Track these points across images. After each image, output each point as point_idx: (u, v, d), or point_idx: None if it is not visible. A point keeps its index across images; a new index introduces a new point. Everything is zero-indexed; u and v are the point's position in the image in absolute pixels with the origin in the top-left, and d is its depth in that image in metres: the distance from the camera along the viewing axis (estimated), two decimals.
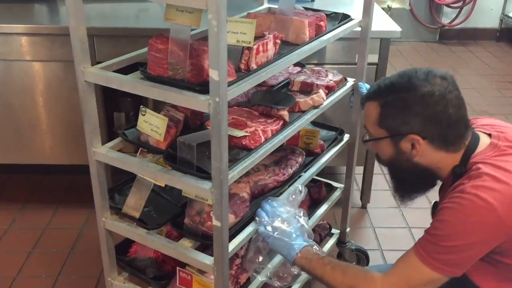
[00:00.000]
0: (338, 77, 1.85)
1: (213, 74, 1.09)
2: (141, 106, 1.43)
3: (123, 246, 1.69)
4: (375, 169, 2.66)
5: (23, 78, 2.32)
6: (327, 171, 2.92)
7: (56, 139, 2.44)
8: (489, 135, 1.33)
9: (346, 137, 2.00)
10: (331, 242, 2.14)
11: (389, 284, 1.30)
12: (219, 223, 1.27)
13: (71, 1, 1.23)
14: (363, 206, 2.69)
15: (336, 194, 2.05)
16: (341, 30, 1.68)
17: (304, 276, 1.90)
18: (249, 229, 1.47)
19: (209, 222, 1.39)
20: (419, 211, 2.59)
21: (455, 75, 4.68)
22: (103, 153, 1.40)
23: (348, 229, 2.17)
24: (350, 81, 1.87)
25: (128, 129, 1.52)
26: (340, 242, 2.19)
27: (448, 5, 5.19)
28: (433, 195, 1.50)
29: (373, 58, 2.29)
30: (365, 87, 1.84)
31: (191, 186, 1.28)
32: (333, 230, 2.19)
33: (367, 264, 2.24)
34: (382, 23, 2.41)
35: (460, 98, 1.28)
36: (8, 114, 2.38)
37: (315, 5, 2.59)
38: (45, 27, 2.27)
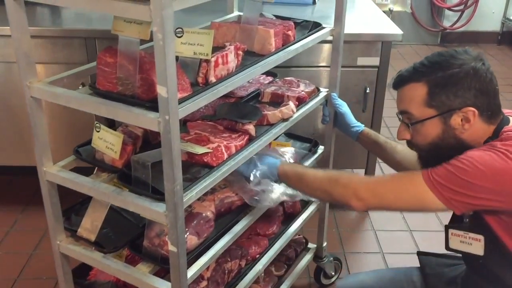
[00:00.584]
0: (310, 87, 1.78)
1: (161, 91, 1.01)
2: (95, 121, 1.35)
3: (84, 269, 1.60)
4: (377, 172, 2.63)
5: None
6: None
7: (58, 141, 2.43)
8: None
9: (321, 149, 1.92)
10: (307, 257, 2.07)
11: (375, 183, 1.32)
12: (175, 248, 1.19)
13: (12, 11, 1.14)
14: None
15: (312, 208, 1.98)
16: (311, 39, 1.61)
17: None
18: (213, 251, 1.39)
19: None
20: (421, 214, 2.58)
21: None
22: (54, 173, 1.32)
23: (325, 244, 2.09)
24: (323, 92, 1.80)
25: (83, 145, 1.43)
26: (317, 257, 2.11)
27: (449, 8, 5.13)
28: None
29: (375, 61, 2.28)
30: (339, 99, 1.77)
31: (145, 209, 1.20)
32: (310, 245, 2.12)
33: (341, 267, 2.20)
34: (384, 26, 2.39)
35: (493, 71, 1.32)
36: (9, 116, 2.38)
37: (317, 7, 2.60)
38: (47, 30, 2.26)
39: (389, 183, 1.34)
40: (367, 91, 2.29)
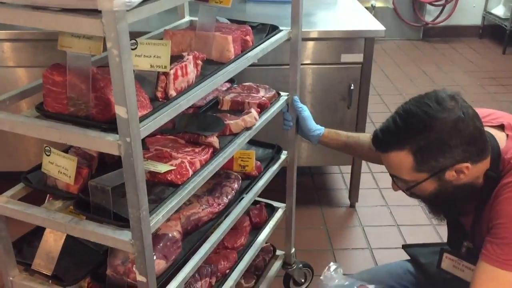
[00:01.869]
0: (271, 92, 1.72)
1: (120, 111, 0.92)
2: (45, 145, 1.23)
3: None
4: (363, 168, 2.63)
5: (6, 85, 2.24)
6: (315, 171, 2.93)
7: (41, 146, 2.32)
8: (497, 127, 1.31)
9: (284, 154, 1.87)
10: (276, 265, 2.01)
11: None
12: (144, 278, 1.10)
13: None
14: (352, 205, 2.68)
15: (278, 215, 1.93)
16: (269, 43, 1.55)
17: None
18: (182, 274, 1.31)
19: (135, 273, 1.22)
20: (408, 209, 2.61)
21: (439, 72, 4.66)
22: (1, 205, 1.19)
23: (293, 250, 2.05)
24: (284, 96, 1.74)
25: (32, 171, 1.31)
26: (286, 264, 2.06)
27: (431, 3, 5.19)
28: None
29: (358, 57, 2.27)
30: (300, 103, 1.72)
31: (108, 238, 1.10)
32: (278, 252, 2.07)
33: (313, 274, 2.15)
34: (366, 22, 2.38)
35: (471, 107, 1.25)
36: None
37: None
38: (27, 33, 2.18)
39: None
40: (352, 87, 2.29)
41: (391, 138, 1.25)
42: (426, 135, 1.19)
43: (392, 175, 1.32)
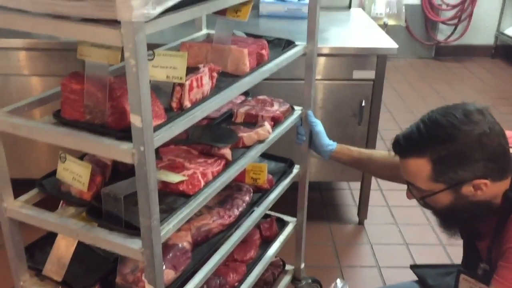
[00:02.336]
0: (285, 106, 1.73)
1: (135, 120, 0.94)
2: (60, 151, 1.25)
3: None
4: (372, 185, 2.61)
5: (21, 93, 2.28)
6: (324, 187, 2.91)
7: (52, 154, 2.40)
8: None
9: (297, 168, 1.87)
10: (285, 280, 2.00)
11: None
12: (152, 287, 1.10)
13: None
14: (360, 222, 2.65)
15: (289, 230, 1.92)
16: (284, 58, 1.56)
17: None
18: (191, 285, 1.30)
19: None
20: (417, 228, 2.59)
21: (451, 91, 4.58)
22: (16, 209, 1.21)
23: (303, 265, 2.04)
24: (298, 110, 1.75)
25: (47, 177, 1.33)
26: (295, 279, 2.05)
27: (443, 22, 5.20)
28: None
29: (370, 74, 2.29)
30: (314, 118, 1.73)
31: (118, 246, 1.11)
32: (287, 267, 2.05)
33: None
34: (379, 39, 2.40)
35: (499, 124, 1.23)
36: None
37: None
38: (43, 42, 2.23)
39: None
40: (363, 104, 2.30)
41: (413, 144, 1.24)
42: (448, 145, 1.18)
43: (407, 182, 1.31)
